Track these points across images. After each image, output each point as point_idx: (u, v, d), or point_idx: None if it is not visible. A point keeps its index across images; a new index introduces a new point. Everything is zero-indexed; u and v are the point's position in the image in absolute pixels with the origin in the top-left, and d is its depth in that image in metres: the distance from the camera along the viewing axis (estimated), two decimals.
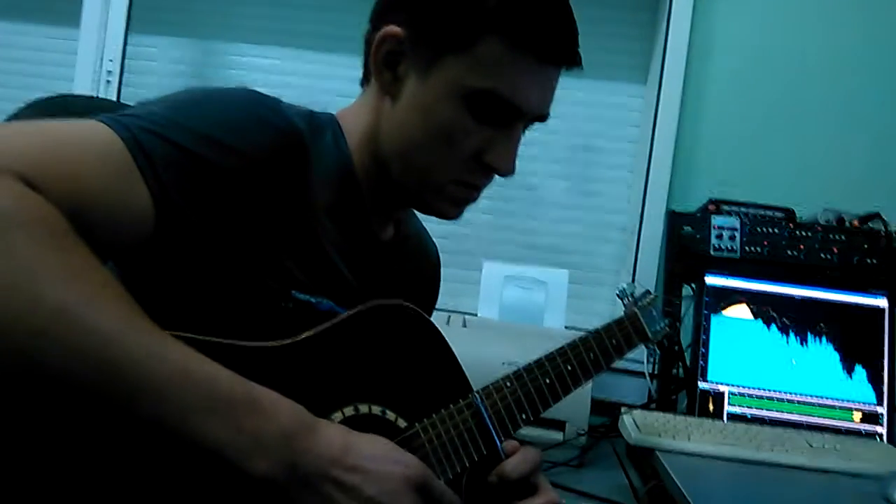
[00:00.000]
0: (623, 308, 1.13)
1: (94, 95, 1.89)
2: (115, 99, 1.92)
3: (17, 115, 0.92)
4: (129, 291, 0.60)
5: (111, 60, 1.91)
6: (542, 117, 0.85)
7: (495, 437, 0.84)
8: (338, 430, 0.67)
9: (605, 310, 1.91)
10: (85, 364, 0.55)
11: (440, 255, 1.09)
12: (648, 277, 1.80)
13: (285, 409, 0.63)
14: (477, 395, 0.85)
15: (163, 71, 2.02)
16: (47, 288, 0.54)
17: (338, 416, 0.74)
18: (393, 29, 0.80)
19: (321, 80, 1.99)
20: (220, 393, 0.59)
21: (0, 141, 0.60)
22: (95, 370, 0.55)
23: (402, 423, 0.79)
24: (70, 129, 0.64)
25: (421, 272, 1.03)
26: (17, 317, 0.53)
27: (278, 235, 0.76)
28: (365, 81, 0.88)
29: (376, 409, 0.77)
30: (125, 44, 1.93)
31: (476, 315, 1.73)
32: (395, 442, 0.74)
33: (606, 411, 1.51)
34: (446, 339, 0.86)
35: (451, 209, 0.87)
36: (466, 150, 0.81)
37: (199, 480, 0.62)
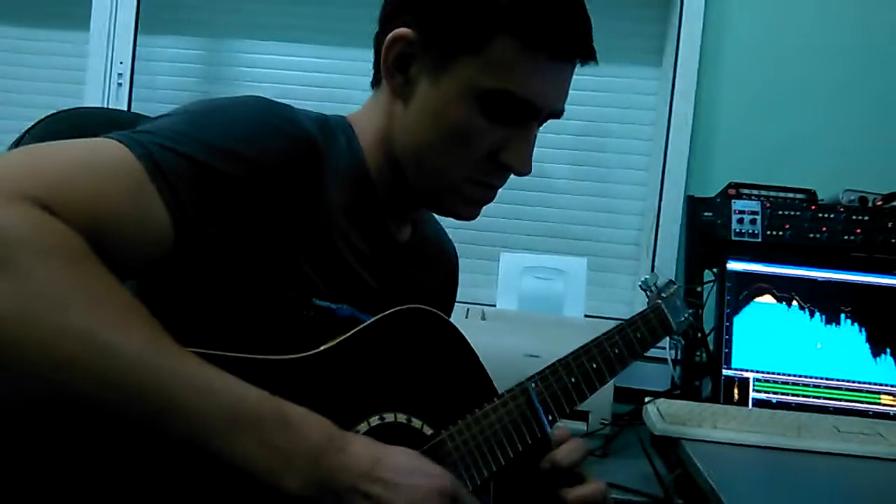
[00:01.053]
0: (646, 300, 1.12)
1: (107, 105, 1.89)
2: (126, 100, 1.92)
3: (32, 131, 0.92)
4: (151, 308, 0.60)
5: (121, 62, 1.90)
6: (557, 114, 0.84)
7: (546, 425, 0.85)
8: (366, 443, 0.67)
9: (625, 296, 1.89)
10: (112, 389, 0.54)
11: (457, 246, 1.09)
12: (668, 264, 1.78)
13: (314, 425, 0.63)
14: (530, 385, 0.86)
15: (174, 70, 2.02)
16: (71, 315, 0.54)
17: (363, 426, 0.74)
18: (403, 31, 0.79)
19: (333, 74, 1.98)
20: (248, 411, 0.59)
21: (15, 165, 0.59)
22: (122, 395, 0.55)
23: (428, 431, 0.79)
24: (85, 150, 0.63)
25: (440, 272, 1.03)
26: (42, 347, 0.53)
27: (296, 243, 0.76)
28: (375, 83, 0.87)
29: (402, 418, 0.77)
30: (135, 45, 1.92)
31: (495, 306, 1.72)
32: (422, 450, 0.74)
33: (630, 399, 1.51)
34: (468, 338, 0.86)
35: (466, 209, 0.86)
36: (481, 149, 0.80)
37: (230, 497, 0.62)
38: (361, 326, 0.77)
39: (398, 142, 0.83)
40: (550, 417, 0.88)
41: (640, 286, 1.14)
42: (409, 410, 0.78)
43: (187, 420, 0.57)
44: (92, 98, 1.91)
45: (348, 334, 0.75)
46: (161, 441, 0.57)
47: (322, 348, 0.73)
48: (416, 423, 0.78)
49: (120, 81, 1.90)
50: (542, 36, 0.76)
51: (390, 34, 0.80)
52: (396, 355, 0.78)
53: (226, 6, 2.01)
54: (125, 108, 1.90)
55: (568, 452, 0.85)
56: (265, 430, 0.60)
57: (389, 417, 0.76)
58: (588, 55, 0.81)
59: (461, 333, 0.85)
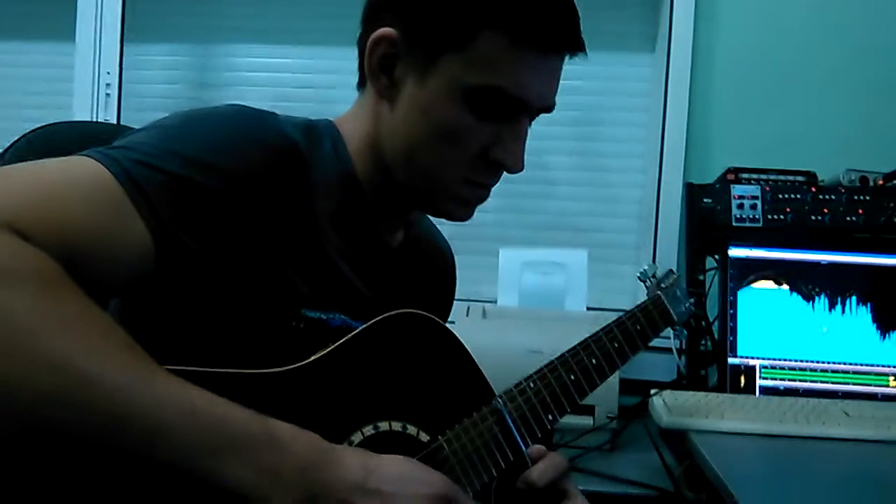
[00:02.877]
0: (646, 291, 1.11)
1: (97, 115, 1.88)
2: (115, 110, 1.90)
3: (12, 149, 0.91)
4: (135, 327, 0.58)
5: (108, 73, 1.89)
6: (548, 108, 0.82)
7: (520, 444, 0.82)
8: (357, 454, 0.65)
9: (628, 286, 1.87)
10: (93, 418, 0.53)
11: (455, 243, 1.08)
12: (669, 252, 1.76)
13: (301, 441, 0.61)
14: (500, 401, 0.83)
15: (163, 78, 2.00)
16: (49, 345, 0.52)
17: (357, 436, 0.72)
18: (386, 31, 0.77)
19: (325, 74, 1.95)
20: (234, 432, 0.58)
21: None
22: (104, 422, 0.53)
23: (424, 437, 0.77)
24: (59, 170, 0.62)
25: (435, 273, 1.01)
26: (20, 378, 0.51)
27: (283, 252, 0.75)
28: (361, 85, 0.85)
29: (397, 426, 0.75)
30: (121, 54, 1.90)
31: (496, 303, 1.71)
32: (418, 457, 0.73)
33: (636, 390, 1.49)
34: (469, 336, 0.84)
35: (460, 210, 0.85)
36: (472, 148, 0.79)
37: None
38: (352, 334, 0.75)
39: (386, 144, 0.81)
40: (551, 417, 0.86)
41: (639, 277, 1.13)
42: (404, 417, 0.76)
43: (171, 444, 0.55)
44: (81, 109, 1.89)
45: (339, 343, 0.74)
46: (147, 466, 0.56)
47: (312, 359, 0.72)
48: (412, 430, 0.77)
49: (108, 91, 1.89)
50: (529, 29, 0.74)
51: (373, 35, 0.78)
52: (389, 362, 0.77)
53: (212, 10, 1.99)
54: (114, 118, 1.89)
55: (542, 472, 0.82)
56: (252, 450, 0.58)
57: (384, 426, 0.74)
58: (577, 47, 0.79)
59: (455, 336, 0.83)
